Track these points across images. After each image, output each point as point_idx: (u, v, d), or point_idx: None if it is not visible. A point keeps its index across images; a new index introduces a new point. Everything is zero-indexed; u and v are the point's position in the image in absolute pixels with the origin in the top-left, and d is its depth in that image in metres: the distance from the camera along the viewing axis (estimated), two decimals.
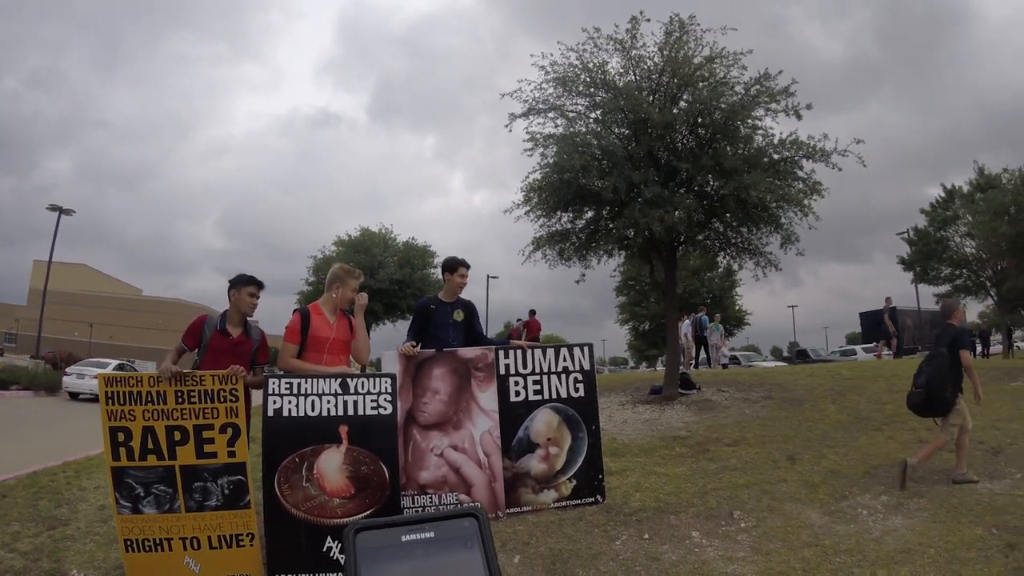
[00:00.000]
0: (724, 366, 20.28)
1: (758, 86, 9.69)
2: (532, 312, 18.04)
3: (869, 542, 4.52)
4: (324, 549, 3.82)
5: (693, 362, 18.65)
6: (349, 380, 4.08)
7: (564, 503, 4.68)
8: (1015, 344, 36.77)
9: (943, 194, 33.09)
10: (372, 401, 4.07)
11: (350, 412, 4.02)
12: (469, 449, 4.55)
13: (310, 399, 3.98)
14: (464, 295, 5.33)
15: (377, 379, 4.12)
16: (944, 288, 31.99)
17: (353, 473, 3.94)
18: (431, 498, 4.47)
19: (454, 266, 5.25)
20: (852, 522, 4.94)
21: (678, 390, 10.66)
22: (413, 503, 4.40)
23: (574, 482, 4.70)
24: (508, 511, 4.60)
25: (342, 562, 3.78)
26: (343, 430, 3.97)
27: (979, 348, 31.38)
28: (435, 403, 4.58)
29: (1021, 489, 5.57)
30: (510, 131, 10.51)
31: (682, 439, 7.81)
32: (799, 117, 9.68)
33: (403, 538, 1.24)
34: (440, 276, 5.54)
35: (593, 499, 4.75)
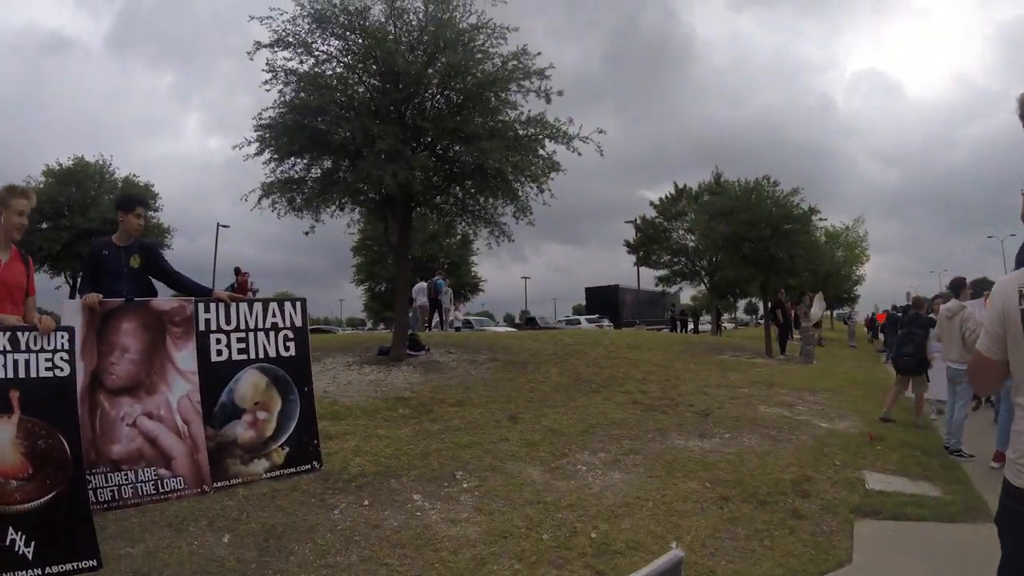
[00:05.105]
0: (456, 329, 20.94)
1: (515, 61, 9.88)
2: (236, 270, 17.29)
3: (589, 497, 4.77)
4: (7, 543, 3.06)
5: (427, 324, 18.94)
6: (20, 334, 3.24)
7: (278, 472, 4.32)
8: (723, 324, 45.40)
9: (673, 191, 38.27)
10: (47, 360, 3.22)
11: (21, 374, 3.13)
12: (166, 416, 3.92)
13: None
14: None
15: (52, 334, 3.32)
16: (663, 272, 37.53)
17: (29, 449, 3.10)
18: (126, 475, 3.78)
19: (130, 204, 4.39)
20: (572, 478, 5.20)
21: (406, 351, 10.63)
22: (107, 481, 3.69)
23: (287, 449, 4.34)
24: (216, 485, 4.12)
25: (29, 556, 3.01)
26: (14, 396, 3.10)
27: (690, 325, 36.96)
28: (124, 363, 3.85)
29: (730, 447, 6.33)
30: (251, 60, 9.53)
31: (406, 400, 7.75)
32: (548, 100, 10.06)
33: None
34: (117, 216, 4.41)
35: (309, 466, 4.46)
